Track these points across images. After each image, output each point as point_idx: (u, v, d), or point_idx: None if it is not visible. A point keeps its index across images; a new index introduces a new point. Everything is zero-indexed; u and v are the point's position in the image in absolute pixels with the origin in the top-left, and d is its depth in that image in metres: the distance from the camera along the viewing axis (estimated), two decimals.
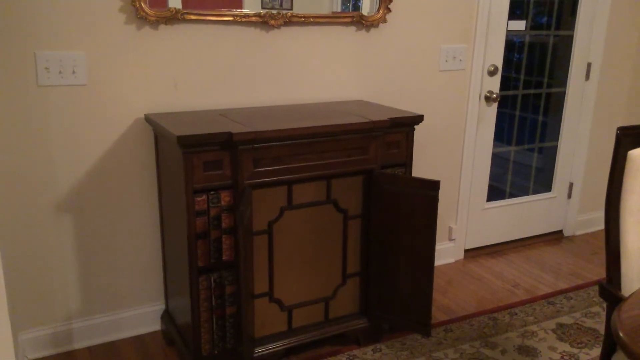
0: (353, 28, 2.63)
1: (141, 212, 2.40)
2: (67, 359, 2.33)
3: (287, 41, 2.50)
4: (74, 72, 2.14)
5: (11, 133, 2.11)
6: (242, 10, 2.38)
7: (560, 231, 3.69)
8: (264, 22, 2.40)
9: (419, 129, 2.40)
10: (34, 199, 2.20)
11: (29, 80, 2.09)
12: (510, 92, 3.41)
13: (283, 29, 2.46)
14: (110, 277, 2.41)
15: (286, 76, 2.54)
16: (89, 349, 2.39)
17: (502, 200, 3.45)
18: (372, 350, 2.40)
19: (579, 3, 3.29)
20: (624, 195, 1.65)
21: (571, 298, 2.88)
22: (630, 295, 1.36)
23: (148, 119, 2.24)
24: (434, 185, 2.17)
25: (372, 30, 2.67)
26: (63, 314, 2.36)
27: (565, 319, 2.68)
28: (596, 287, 2.98)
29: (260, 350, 2.21)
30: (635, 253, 1.64)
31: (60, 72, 2.12)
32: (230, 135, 1.96)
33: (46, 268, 2.29)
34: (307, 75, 2.59)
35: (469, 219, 3.29)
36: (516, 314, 2.72)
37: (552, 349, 2.44)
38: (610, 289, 1.64)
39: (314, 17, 2.50)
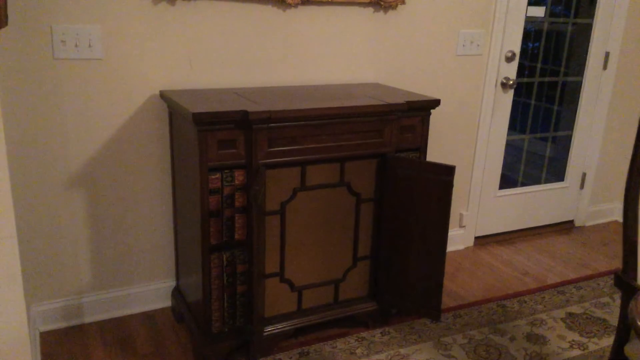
0: (371, 9, 2.60)
1: (154, 188, 2.40)
2: (77, 333, 2.35)
3: (304, 21, 2.47)
4: (90, 45, 2.12)
5: (27, 106, 2.10)
6: None
7: (572, 221, 3.67)
8: (281, 0, 2.38)
9: (433, 114, 2.38)
10: (47, 172, 2.20)
11: (45, 54, 2.08)
12: (526, 80, 3.38)
13: (300, 7, 2.44)
14: (121, 253, 2.42)
15: (302, 56, 2.52)
16: (99, 323, 2.41)
17: (514, 189, 3.43)
18: (381, 333, 2.41)
19: None
20: None
21: (581, 288, 2.87)
22: None
23: (163, 95, 2.23)
24: (449, 171, 2.16)
25: (390, 12, 2.64)
26: (74, 288, 2.37)
27: (575, 309, 2.67)
28: (606, 278, 2.97)
29: (269, 329, 2.22)
30: None
31: (76, 46, 2.11)
32: (245, 113, 1.95)
33: (59, 242, 2.30)
34: (324, 56, 2.56)
35: (480, 206, 3.28)
36: (525, 302, 2.71)
37: (561, 337, 2.44)
38: (626, 278, 1.63)
39: None
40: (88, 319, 2.41)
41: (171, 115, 2.30)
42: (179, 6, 2.23)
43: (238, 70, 2.41)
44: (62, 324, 2.37)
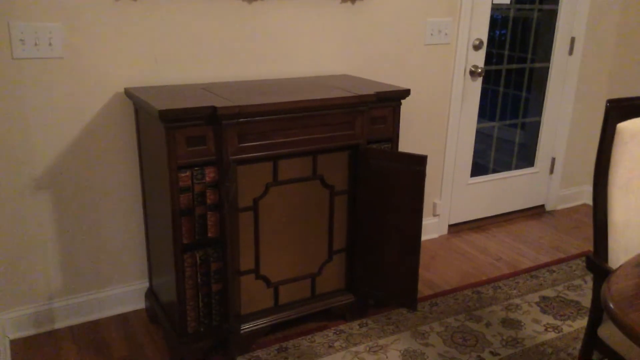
0: (338, 0, 2.57)
1: (123, 188, 2.35)
2: (49, 339, 2.29)
3: (271, 13, 2.44)
4: (50, 44, 2.06)
5: None
6: None
7: (542, 206, 3.72)
8: None
9: (404, 104, 2.37)
10: (11, 176, 2.14)
11: (4, 53, 2.01)
12: (494, 67, 3.40)
13: (266, 0, 2.40)
14: (92, 256, 2.36)
15: (270, 50, 2.49)
16: (71, 328, 2.36)
17: (485, 176, 3.46)
18: (359, 325, 2.40)
19: None
20: (612, 169, 1.64)
21: (553, 271, 2.91)
22: (619, 267, 1.37)
23: (128, 93, 2.18)
24: (421, 160, 2.16)
25: (358, 2, 2.62)
26: (44, 293, 2.31)
27: (548, 292, 2.71)
28: (578, 261, 3.02)
29: (246, 327, 2.20)
30: (622, 225, 1.65)
31: (36, 44, 2.04)
32: (214, 109, 1.91)
33: (26, 246, 2.23)
34: (291, 48, 2.54)
35: (453, 194, 3.30)
36: (500, 287, 2.74)
37: (536, 321, 2.47)
38: (597, 261, 1.65)
39: None
40: (60, 324, 2.36)
41: (137, 113, 2.25)
42: (142, 1, 2.18)
43: (205, 65, 2.37)
44: (33, 331, 2.31)
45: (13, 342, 2.26)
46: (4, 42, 2.00)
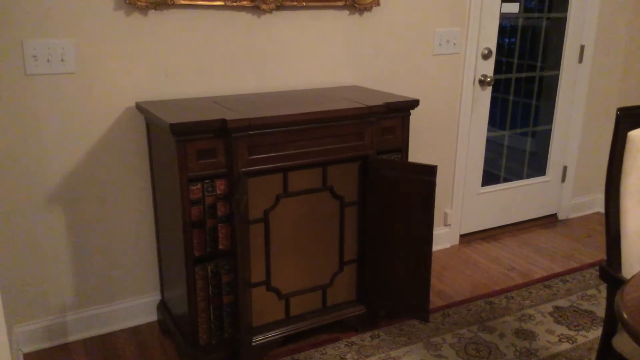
0: (346, 12, 2.59)
1: (135, 201, 2.36)
2: (62, 352, 2.30)
3: (280, 26, 2.46)
4: (62, 60, 2.09)
5: (0, 125, 2.06)
6: None
7: (555, 214, 3.69)
8: (255, 6, 2.36)
9: (413, 114, 2.38)
10: (25, 190, 2.16)
11: (17, 70, 2.04)
12: (504, 76, 3.39)
13: (275, 13, 2.42)
14: (104, 269, 2.38)
15: (279, 62, 2.50)
16: (84, 341, 2.37)
17: (496, 185, 3.44)
18: (370, 336, 2.39)
19: None
20: (624, 177, 1.63)
21: (567, 281, 2.88)
22: (633, 277, 1.35)
23: (139, 107, 2.20)
24: (431, 170, 2.15)
25: (366, 14, 2.63)
26: (57, 306, 2.33)
27: (562, 302, 2.68)
28: (592, 270, 2.99)
29: (258, 339, 2.20)
30: (635, 234, 1.63)
31: (48, 61, 2.07)
32: (224, 122, 1.93)
33: (39, 260, 2.25)
34: (301, 61, 2.55)
35: (464, 204, 3.29)
36: (513, 297, 2.72)
37: (550, 331, 2.45)
38: (610, 271, 1.63)
39: (306, 0, 2.46)
40: (73, 338, 2.37)
41: (148, 127, 2.27)
42: (152, 16, 2.20)
43: (215, 78, 2.38)
44: (46, 344, 2.32)
45: (27, 356, 2.27)
46: (17, 58, 2.03)
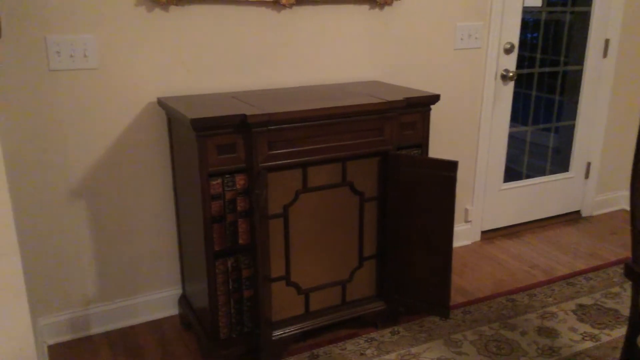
0: (366, 6, 2.58)
1: (156, 196, 2.38)
2: (85, 344, 2.34)
3: (299, 21, 2.45)
4: (85, 55, 2.11)
5: (24, 118, 2.09)
6: None
7: (578, 211, 3.64)
8: (275, 1, 2.36)
9: (434, 109, 2.36)
10: (48, 184, 2.19)
11: (41, 65, 2.07)
12: (526, 71, 3.35)
13: (295, 8, 2.42)
14: (126, 262, 2.40)
15: (299, 57, 2.50)
16: (107, 334, 2.40)
17: (518, 181, 3.40)
18: (390, 332, 2.39)
19: None
20: None
21: (590, 279, 2.84)
22: None
23: (161, 102, 2.22)
24: (451, 166, 2.13)
25: (386, 8, 2.62)
26: (81, 299, 2.36)
27: (585, 300, 2.64)
28: (616, 268, 2.94)
29: (278, 334, 2.20)
30: None
31: (71, 56, 2.10)
32: (244, 117, 1.93)
33: (63, 254, 2.28)
34: (320, 56, 2.55)
35: (485, 200, 3.25)
36: (535, 295, 2.69)
37: (573, 330, 2.41)
38: (636, 268, 1.60)
39: None
40: (95, 330, 2.40)
41: (170, 122, 2.28)
42: (173, 12, 2.22)
43: (235, 73, 2.39)
44: (69, 336, 2.36)
45: (51, 348, 2.31)
46: (41, 54, 2.06)
